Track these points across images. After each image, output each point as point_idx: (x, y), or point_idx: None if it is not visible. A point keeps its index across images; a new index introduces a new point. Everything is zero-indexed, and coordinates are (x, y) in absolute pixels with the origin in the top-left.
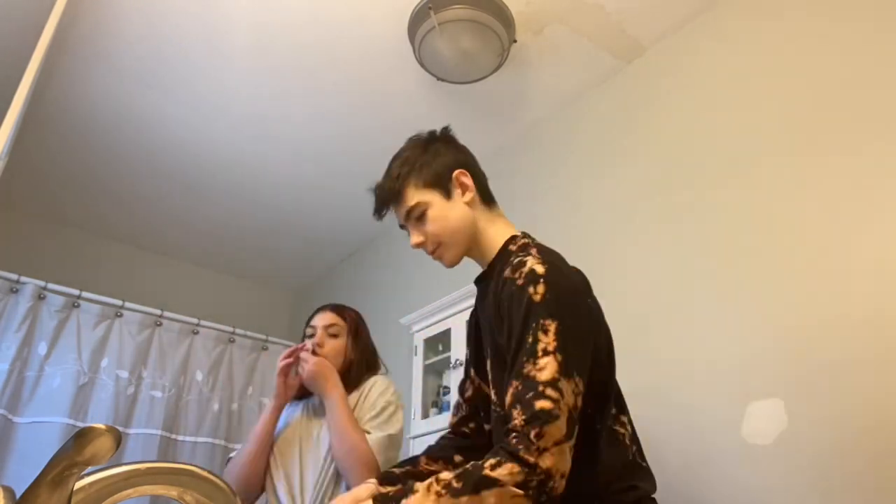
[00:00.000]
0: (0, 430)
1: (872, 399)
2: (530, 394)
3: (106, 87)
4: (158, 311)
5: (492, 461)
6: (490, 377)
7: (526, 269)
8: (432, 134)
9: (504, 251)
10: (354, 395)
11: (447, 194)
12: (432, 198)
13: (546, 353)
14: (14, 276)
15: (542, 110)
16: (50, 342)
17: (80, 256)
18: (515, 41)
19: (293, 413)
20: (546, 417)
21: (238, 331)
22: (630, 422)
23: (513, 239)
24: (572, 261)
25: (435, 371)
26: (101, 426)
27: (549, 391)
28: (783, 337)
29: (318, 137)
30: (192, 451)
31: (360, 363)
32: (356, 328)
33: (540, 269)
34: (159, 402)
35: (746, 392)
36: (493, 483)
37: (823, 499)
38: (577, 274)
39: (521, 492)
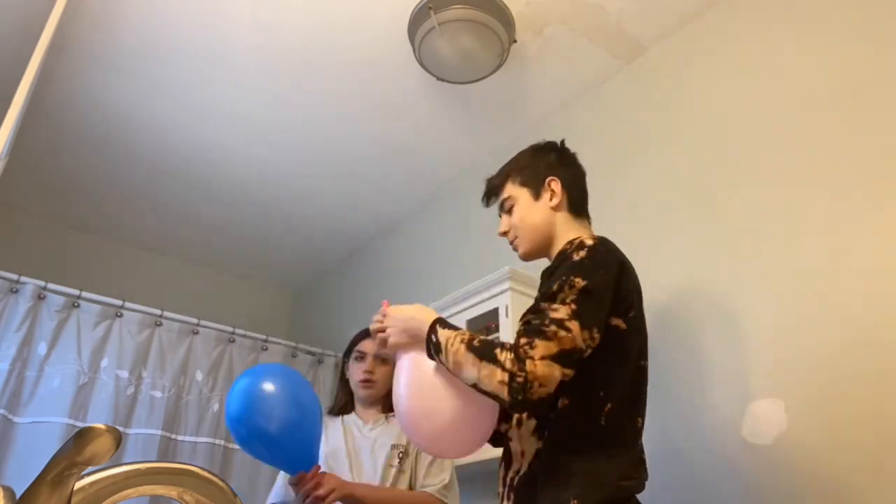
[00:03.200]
0: (0, 430)
1: (872, 399)
2: (537, 321)
3: (106, 88)
4: (158, 311)
5: (503, 346)
6: None
7: (577, 241)
8: (549, 143)
9: (565, 246)
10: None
11: (536, 195)
12: (522, 194)
13: (564, 302)
14: (14, 276)
15: (542, 110)
16: (50, 342)
17: (80, 256)
18: (515, 41)
19: (335, 433)
20: (542, 335)
21: (238, 331)
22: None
23: (580, 237)
24: None
25: None
26: (101, 426)
27: (554, 327)
28: (784, 337)
29: (318, 138)
30: (192, 451)
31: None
32: None
33: (589, 241)
34: (159, 402)
35: (746, 392)
36: (494, 361)
37: (823, 499)
38: (624, 257)
39: (505, 379)
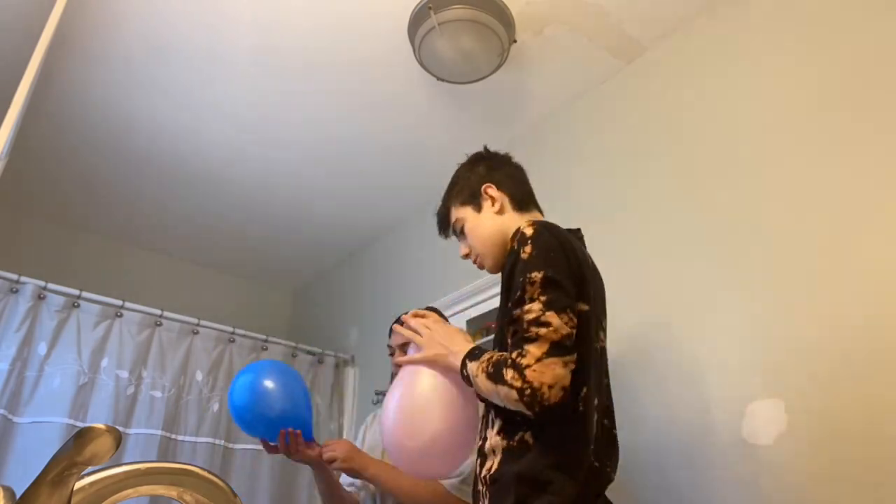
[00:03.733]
0: (0, 430)
1: (872, 399)
2: (520, 327)
3: (106, 88)
4: (158, 311)
5: (506, 362)
6: None
7: (518, 234)
8: (475, 155)
9: (511, 243)
10: None
11: (478, 208)
12: (466, 213)
13: (532, 299)
14: (14, 276)
15: (542, 110)
16: (50, 342)
17: (80, 256)
18: (515, 41)
19: (375, 428)
20: (528, 340)
21: (238, 331)
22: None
23: (517, 230)
24: None
25: None
26: (101, 426)
27: (537, 322)
28: (784, 337)
29: (318, 138)
30: (192, 451)
31: None
32: None
33: (528, 231)
34: (159, 402)
35: (746, 392)
36: (504, 382)
37: (823, 498)
38: (568, 234)
39: (518, 396)
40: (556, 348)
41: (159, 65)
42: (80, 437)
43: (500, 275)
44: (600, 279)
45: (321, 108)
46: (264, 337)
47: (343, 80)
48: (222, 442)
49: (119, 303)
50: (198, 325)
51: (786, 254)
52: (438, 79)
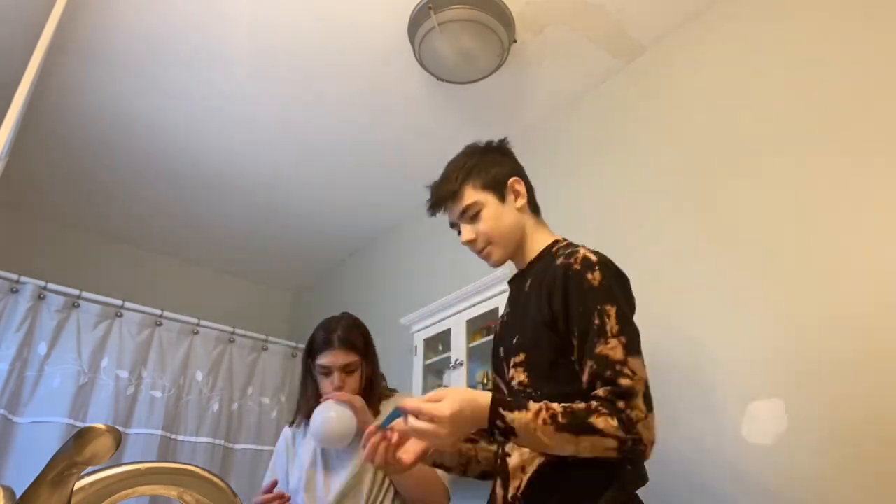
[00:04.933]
0: (0, 430)
1: (873, 399)
2: (608, 372)
3: (106, 88)
4: (158, 311)
5: (597, 409)
6: (517, 360)
7: (580, 256)
8: (489, 143)
9: (548, 252)
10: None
11: (502, 198)
12: (488, 199)
13: (613, 335)
14: (14, 276)
15: (542, 110)
16: (50, 342)
17: (80, 256)
18: (515, 41)
19: (306, 447)
20: (630, 392)
21: (238, 331)
22: None
23: (556, 242)
24: None
25: (435, 371)
26: (101, 426)
27: (626, 370)
28: (784, 336)
29: (318, 137)
30: (192, 451)
31: (374, 383)
32: (367, 353)
33: (593, 257)
34: (159, 402)
35: (746, 392)
36: (595, 431)
37: (823, 498)
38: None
39: (616, 446)
40: (648, 397)
41: (159, 65)
42: (80, 437)
43: (500, 275)
44: None
45: (321, 108)
46: (264, 337)
47: (343, 81)
48: (222, 442)
49: (119, 303)
50: (198, 325)
51: (786, 254)
52: (438, 79)
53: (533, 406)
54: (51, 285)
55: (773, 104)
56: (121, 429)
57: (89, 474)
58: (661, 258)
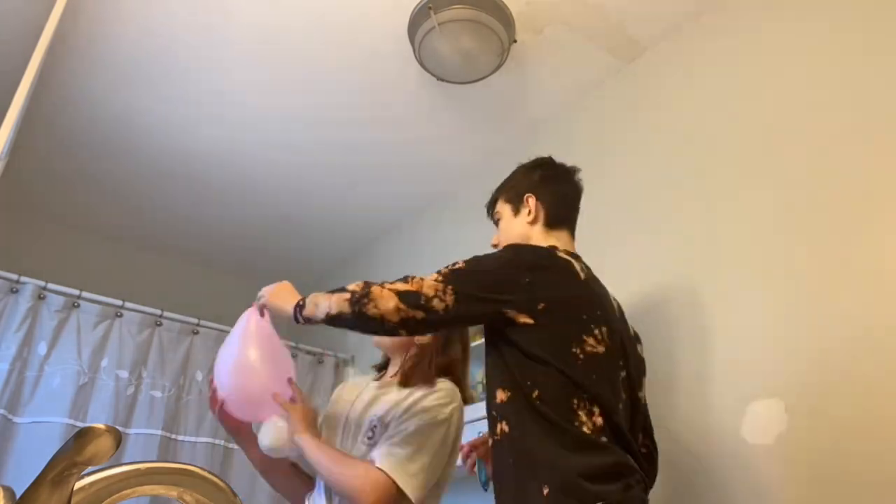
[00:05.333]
0: (0, 430)
1: (872, 399)
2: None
3: (106, 88)
4: (158, 311)
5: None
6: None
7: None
8: (538, 160)
9: None
10: (410, 394)
11: (516, 211)
12: (505, 210)
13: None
14: (14, 276)
15: (542, 110)
16: (50, 342)
17: (80, 256)
18: (515, 41)
19: (350, 388)
20: (398, 280)
21: None
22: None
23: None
24: None
25: None
26: (101, 426)
27: (410, 278)
28: (784, 337)
29: (318, 138)
30: (192, 451)
31: (428, 353)
32: None
33: (520, 244)
34: (159, 402)
35: (746, 392)
36: (343, 290)
37: (823, 499)
38: (538, 251)
39: (348, 297)
40: (407, 294)
41: (159, 65)
42: (80, 437)
43: None
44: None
45: (321, 108)
46: None
47: (343, 81)
48: (222, 442)
49: (119, 303)
50: (198, 325)
51: (786, 253)
52: (438, 79)
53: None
54: (51, 285)
55: (773, 103)
56: (121, 429)
57: (89, 474)
58: (660, 255)
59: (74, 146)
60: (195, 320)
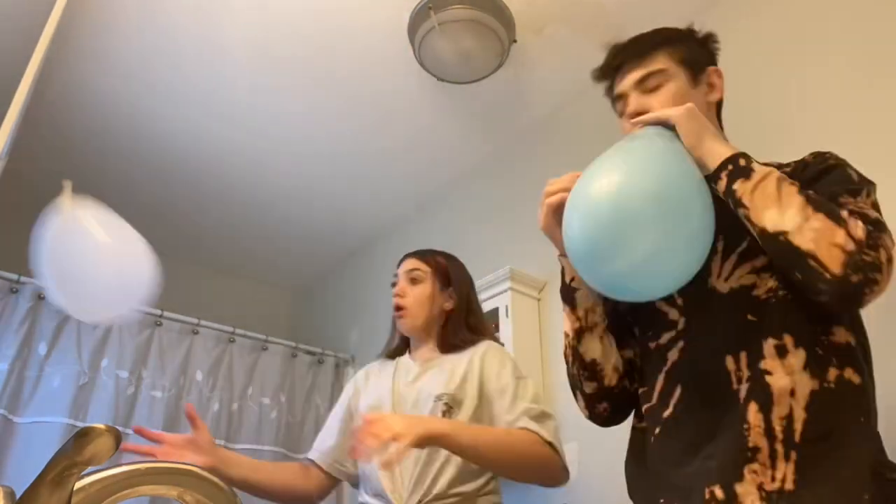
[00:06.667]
0: (0, 430)
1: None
2: (861, 211)
3: (105, 87)
4: (158, 312)
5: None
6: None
7: (830, 155)
8: (708, 34)
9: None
10: (460, 360)
11: (695, 81)
12: (678, 73)
13: (869, 206)
14: (14, 276)
15: (543, 110)
16: (50, 342)
17: None
18: (515, 41)
19: (382, 375)
20: (881, 227)
21: (238, 331)
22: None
23: (734, 158)
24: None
25: None
26: (101, 426)
27: (884, 229)
28: None
29: (318, 137)
30: None
31: (458, 316)
32: (446, 273)
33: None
34: (159, 402)
35: None
36: (838, 219)
37: None
38: None
39: (849, 247)
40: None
41: (160, 66)
42: (80, 437)
43: (500, 275)
44: None
45: (321, 108)
46: (264, 337)
47: (343, 81)
48: (222, 442)
49: None
50: (198, 325)
51: None
52: (438, 79)
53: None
54: None
55: (773, 104)
56: (121, 429)
57: (89, 474)
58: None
59: (74, 146)
60: (195, 320)
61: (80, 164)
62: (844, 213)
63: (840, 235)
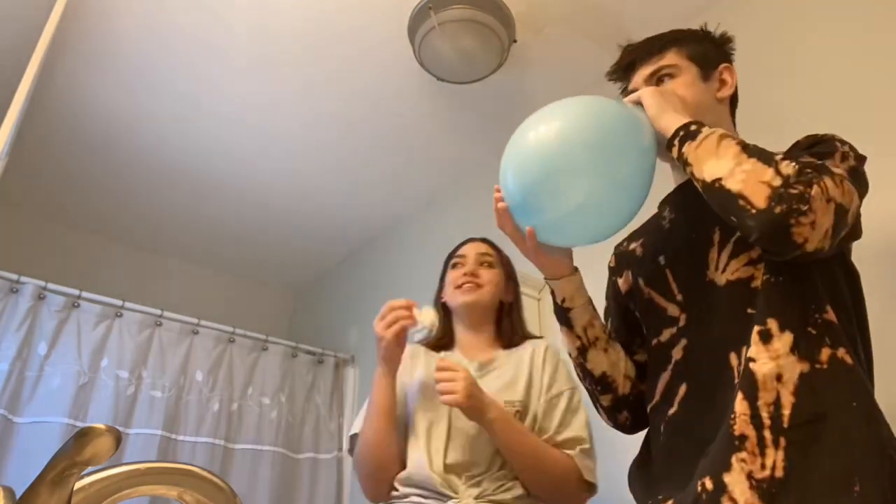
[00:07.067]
0: (0, 430)
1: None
2: (813, 165)
3: (106, 87)
4: (158, 311)
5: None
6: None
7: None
8: (724, 34)
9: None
10: (520, 360)
11: (705, 77)
12: (689, 69)
13: (836, 165)
14: (14, 276)
15: None
16: (50, 342)
17: (80, 256)
18: (515, 41)
19: (428, 363)
20: (830, 174)
21: (238, 331)
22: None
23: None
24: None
25: None
26: (101, 426)
27: (838, 178)
28: None
29: (318, 137)
30: (192, 451)
31: (517, 311)
32: (509, 266)
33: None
34: (159, 402)
35: None
36: (769, 161)
37: None
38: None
39: (776, 183)
40: (841, 211)
41: (160, 66)
42: (80, 437)
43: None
44: None
45: (321, 108)
46: (264, 337)
47: (343, 81)
48: (222, 442)
49: (119, 303)
50: (198, 325)
51: None
52: (438, 79)
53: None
54: (51, 285)
55: (774, 102)
56: (121, 429)
57: (89, 474)
58: None
59: (74, 146)
60: (195, 320)
61: (79, 164)
62: (779, 157)
63: (768, 173)
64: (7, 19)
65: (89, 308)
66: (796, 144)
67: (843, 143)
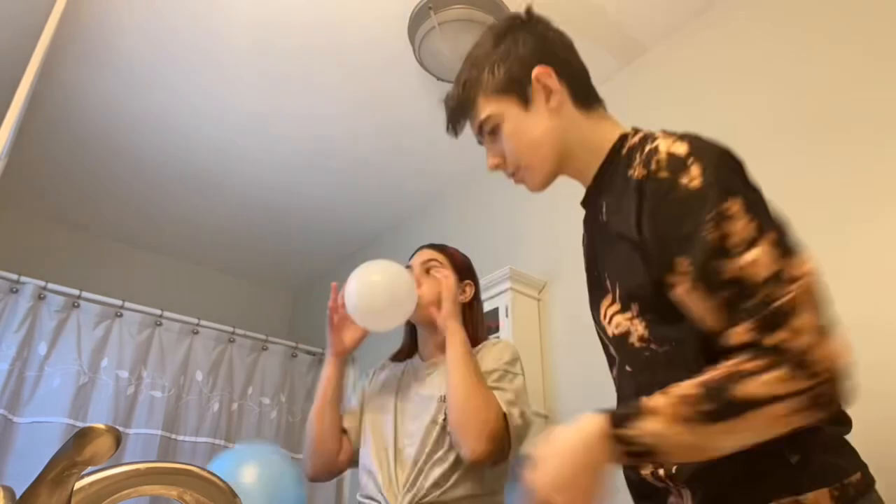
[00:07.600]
0: (0, 430)
1: (872, 398)
2: (755, 300)
3: (105, 87)
4: (158, 311)
5: (740, 368)
6: (611, 309)
7: (662, 157)
8: (512, 19)
9: (615, 154)
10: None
11: (525, 101)
12: (506, 108)
13: (747, 242)
14: (14, 276)
15: None
16: (50, 342)
17: (80, 256)
18: None
19: (390, 376)
20: (787, 312)
21: (238, 331)
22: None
23: (623, 137)
24: (571, 261)
25: None
26: (101, 426)
27: (779, 288)
28: None
29: (318, 137)
30: (192, 451)
31: (477, 311)
32: (463, 268)
33: (681, 148)
34: (159, 402)
35: None
36: (757, 403)
37: None
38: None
39: (807, 405)
40: (817, 307)
41: (160, 66)
42: (80, 437)
43: (500, 275)
44: None
45: (321, 108)
46: (264, 337)
47: (343, 81)
48: (222, 442)
49: (119, 303)
50: (198, 325)
51: None
52: (438, 79)
53: (658, 403)
54: (51, 285)
55: (774, 104)
56: (121, 429)
57: (89, 474)
58: None
59: (74, 146)
60: (195, 320)
61: (79, 164)
62: (746, 385)
63: (803, 403)
64: (7, 19)
65: (89, 308)
66: (641, 187)
67: (704, 184)
